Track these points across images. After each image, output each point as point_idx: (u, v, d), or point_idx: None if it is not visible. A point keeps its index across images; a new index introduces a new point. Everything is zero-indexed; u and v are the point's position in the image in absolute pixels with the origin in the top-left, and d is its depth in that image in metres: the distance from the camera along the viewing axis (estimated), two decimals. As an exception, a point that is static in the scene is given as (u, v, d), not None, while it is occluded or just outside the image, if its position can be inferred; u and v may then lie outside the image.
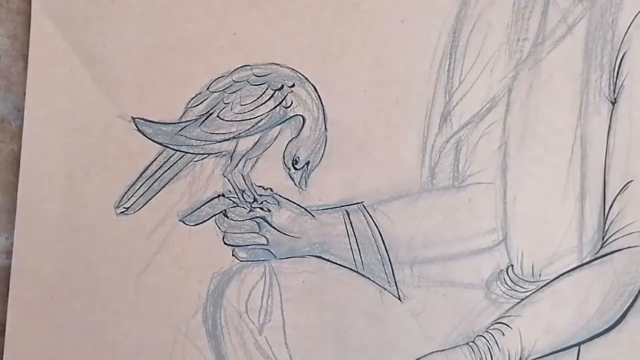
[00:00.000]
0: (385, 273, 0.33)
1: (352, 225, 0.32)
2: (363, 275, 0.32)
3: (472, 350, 0.33)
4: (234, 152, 0.32)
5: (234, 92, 0.32)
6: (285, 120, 0.32)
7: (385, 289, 0.33)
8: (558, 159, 0.33)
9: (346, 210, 0.32)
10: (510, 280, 0.33)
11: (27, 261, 0.31)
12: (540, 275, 0.33)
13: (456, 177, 0.33)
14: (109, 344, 0.31)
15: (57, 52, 0.31)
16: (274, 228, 0.32)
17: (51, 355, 0.31)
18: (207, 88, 0.32)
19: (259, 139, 0.32)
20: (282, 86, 0.32)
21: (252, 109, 0.32)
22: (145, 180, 0.31)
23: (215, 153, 0.32)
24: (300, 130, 0.32)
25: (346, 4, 0.32)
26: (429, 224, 0.33)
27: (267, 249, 0.32)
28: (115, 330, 0.31)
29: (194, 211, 0.32)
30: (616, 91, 0.35)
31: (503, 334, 0.33)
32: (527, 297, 0.33)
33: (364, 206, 0.32)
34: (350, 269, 0.32)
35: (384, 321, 0.32)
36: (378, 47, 0.32)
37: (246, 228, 0.32)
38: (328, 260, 0.32)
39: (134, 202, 0.31)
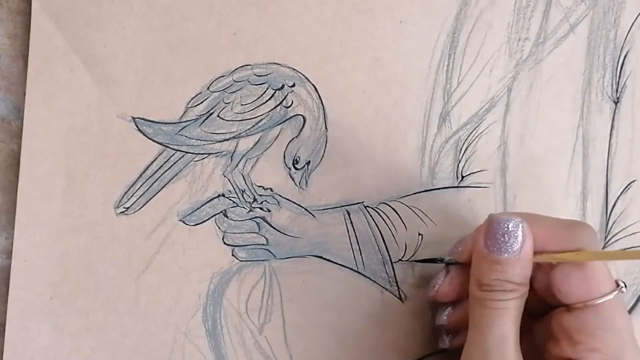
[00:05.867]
0: (386, 273, 0.34)
1: (352, 225, 0.34)
2: (364, 275, 0.34)
3: (474, 351, 0.35)
4: (234, 152, 0.34)
5: (234, 91, 0.34)
6: (286, 120, 0.34)
7: (387, 289, 0.34)
8: (559, 159, 0.35)
9: (347, 210, 0.34)
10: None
11: (27, 261, 0.32)
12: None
13: (456, 177, 0.35)
14: (109, 344, 0.33)
15: (57, 52, 0.33)
16: (274, 228, 0.34)
17: (51, 355, 0.32)
18: (208, 88, 0.34)
19: (259, 139, 0.34)
20: (283, 86, 0.34)
21: (253, 109, 0.34)
22: (145, 180, 0.33)
23: (216, 153, 0.34)
24: (301, 130, 0.34)
25: (346, 4, 0.34)
26: (430, 224, 0.35)
27: (267, 249, 0.34)
28: (115, 330, 0.33)
29: (194, 211, 0.33)
30: (619, 90, 0.36)
31: (504, 335, 0.35)
32: (528, 297, 0.35)
33: (364, 206, 0.34)
34: (351, 269, 0.34)
35: (385, 321, 0.34)
36: (377, 47, 0.34)
37: (246, 228, 0.34)
38: (329, 260, 0.34)
39: (134, 202, 0.33)
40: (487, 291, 0.27)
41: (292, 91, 0.34)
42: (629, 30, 0.36)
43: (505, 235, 0.27)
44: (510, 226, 0.27)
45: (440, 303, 0.32)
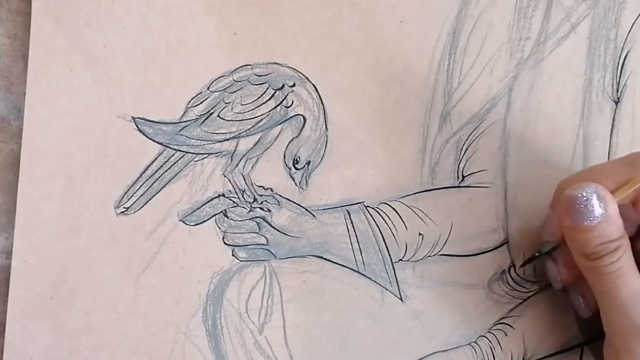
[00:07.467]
0: (387, 273, 0.35)
1: (353, 225, 0.34)
2: (364, 276, 0.34)
3: (475, 350, 0.35)
4: (234, 152, 0.34)
5: (234, 91, 0.34)
6: (286, 119, 0.34)
7: (387, 289, 0.35)
8: (560, 159, 0.35)
9: (347, 210, 0.35)
10: (513, 280, 0.35)
11: (27, 261, 0.32)
12: (542, 275, 0.36)
13: (456, 177, 0.35)
14: (109, 344, 0.33)
15: (57, 52, 0.33)
16: (274, 228, 0.34)
17: (51, 355, 0.32)
18: (208, 88, 0.34)
19: (259, 139, 0.34)
20: (283, 86, 0.34)
21: (253, 109, 0.34)
22: (146, 180, 0.34)
23: (216, 153, 0.34)
24: (301, 130, 0.34)
25: (346, 4, 0.34)
26: (430, 224, 0.35)
27: (267, 249, 0.34)
28: (115, 330, 0.33)
29: (194, 211, 0.34)
30: (619, 90, 0.37)
31: (506, 335, 0.35)
32: (529, 297, 0.35)
33: (365, 206, 0.35)
34: (351, 269, 0.34)
35: (386, 321, 0.34)
36: (377, 47, 0.35)
37: (246, 228, 0.34)
38: (329, 260, 0.34)
39: (134, 202, 0.33)
40: (596, 259, 0.29)
41: (293, 91, 0.34)
42: (630, 30, 0.37)
43: (587, 205, 0.28)
44: (586, 196, 0.28)
45: (569, 286, 0.33)
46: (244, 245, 0.34)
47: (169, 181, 0.34)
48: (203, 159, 0.34)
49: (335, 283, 0.34)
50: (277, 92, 0.34)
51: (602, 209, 0.28)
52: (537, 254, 0.33)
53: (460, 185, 0.35)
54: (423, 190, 0.35)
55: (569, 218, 0.29)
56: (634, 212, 0.30)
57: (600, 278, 0.29)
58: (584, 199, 0.28)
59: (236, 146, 0.34)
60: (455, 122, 0.35)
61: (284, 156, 0.34)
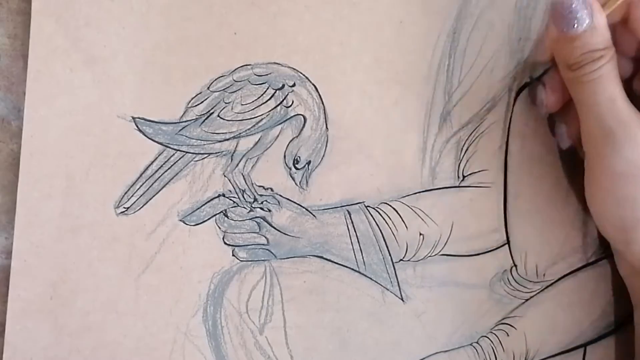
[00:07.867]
0: (388, 273, 0.35)
1: (353, 225, 0.35)
2: (365, 276, 0.34)
3: (476, 351, 0.35)
4: (234, 152, 0.34)
5: (234, 91, 0.34)
6: (286, 119, 0.34)
7: (388, 289, 0.35)
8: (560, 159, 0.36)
9: (347, 210, 0.35)
10: (514, 280, 0.35)
11: (27, 261, 0.33)
12: (544, 275, 0.36)
13: (457, 177, 0.35)
14: (109, 344, 0.33)
15: (57, 52, 0.33)
16: (275, 228, 0.34)
17: (51, 355, 0.32)
18: (208, 88, 0.34)
19: (259, 139, 0.34)
20: (283, 86, 0.34)
21: (253, 109, 0.34)
22: (146, 180, 0.34)
23: (216, 153, 0.34)
24: (301, 129, 0.35)
25: (346, 4, 0.35)
26: (431, 224, 0.35)
27: (267, 249, 0.34)
28: (115, 330, 0.33)
29: (194, 211, 0.34)
30: (620, 90, 0.37)
31: (507, 335, 0.35)
32: (531, 297, 0.35)
33: (365, 206, 0.35)
34: (352, 269, 0.34)
35: (386, 321, 0.35)
36: (377, 47, 0.35)
37: (246, 228, 0.34)
38: (329, 261, 0.34)
39: (134, 202, 0.34)
40: (578, 68, 0.29)
41: (293, 91, 0.34)
42: (630, 30, 0.37)
43: (572, 12, 0.28)
44: (572, 2, 0.29)
45: (555, 115, 0.34)
46: (244, 245, 0.34)
47: (169, 181, 0.34)
48: (203, 159, 0.34)
49: (336, 283, 0.34)
50: (277, 92, 0.34)
51: (587, 17, 0.28)
52: (529, 80, 0.34)
53: (461, 185, 0.35)
54: (423, 190, 0.35)
55: (555, 25, 0.29)
56: (628, 36, 0.30)
57: (581, 87, 0.29)
58: (571, 5, 0.28)
59: (236, 146, 0.34)
60: (456, 122, 0.35)
61: (284, 156, 0.34)
